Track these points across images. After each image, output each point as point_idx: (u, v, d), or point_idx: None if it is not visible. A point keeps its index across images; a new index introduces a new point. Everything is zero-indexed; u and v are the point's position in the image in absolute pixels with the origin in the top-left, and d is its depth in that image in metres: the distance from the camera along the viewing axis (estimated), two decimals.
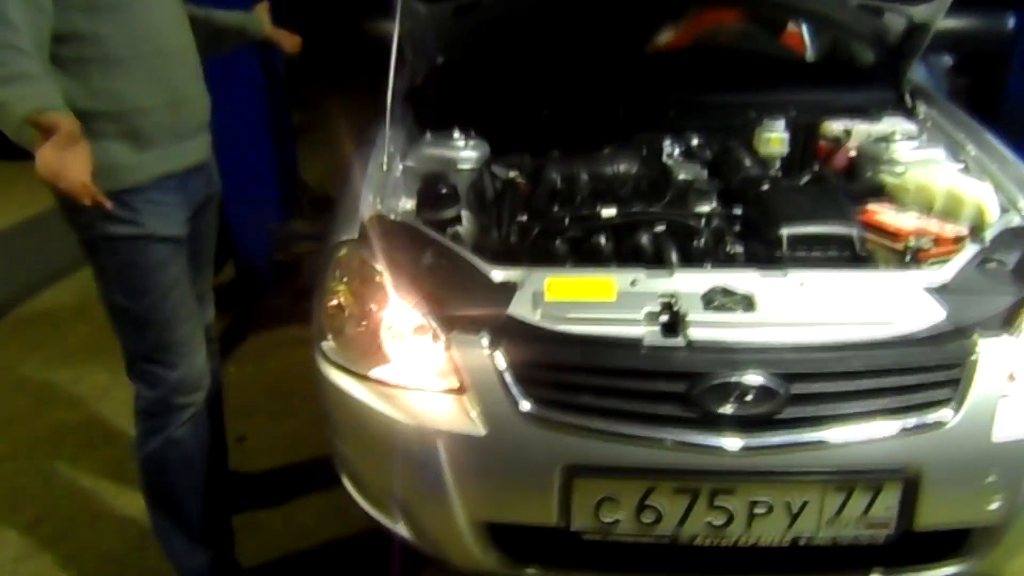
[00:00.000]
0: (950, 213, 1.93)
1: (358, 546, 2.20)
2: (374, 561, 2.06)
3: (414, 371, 1.60)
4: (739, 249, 1.80)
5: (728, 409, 1.43)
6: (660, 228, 1.83)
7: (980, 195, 1.91)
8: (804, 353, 1.47)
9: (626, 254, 1.81)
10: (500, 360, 1.50)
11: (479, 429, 1.50)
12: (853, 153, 2.24)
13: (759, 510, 1.48)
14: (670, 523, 1.50)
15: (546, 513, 1.52)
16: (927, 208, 1.97)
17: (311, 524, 2.31)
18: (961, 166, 2.05)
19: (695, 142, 2.16)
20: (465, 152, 2.09)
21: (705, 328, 1.50)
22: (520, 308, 1.56)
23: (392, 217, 1.81)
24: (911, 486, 1.47)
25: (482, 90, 2.44)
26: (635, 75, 2.46)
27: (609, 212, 1.84)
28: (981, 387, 1.47)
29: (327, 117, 3.88)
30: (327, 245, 1.89)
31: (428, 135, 2.16)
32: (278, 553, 2.22)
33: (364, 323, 1.67)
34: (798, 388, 1.44)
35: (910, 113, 2.35)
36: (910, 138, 2.15)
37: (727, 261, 1.77)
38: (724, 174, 2.03)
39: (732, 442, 1.43)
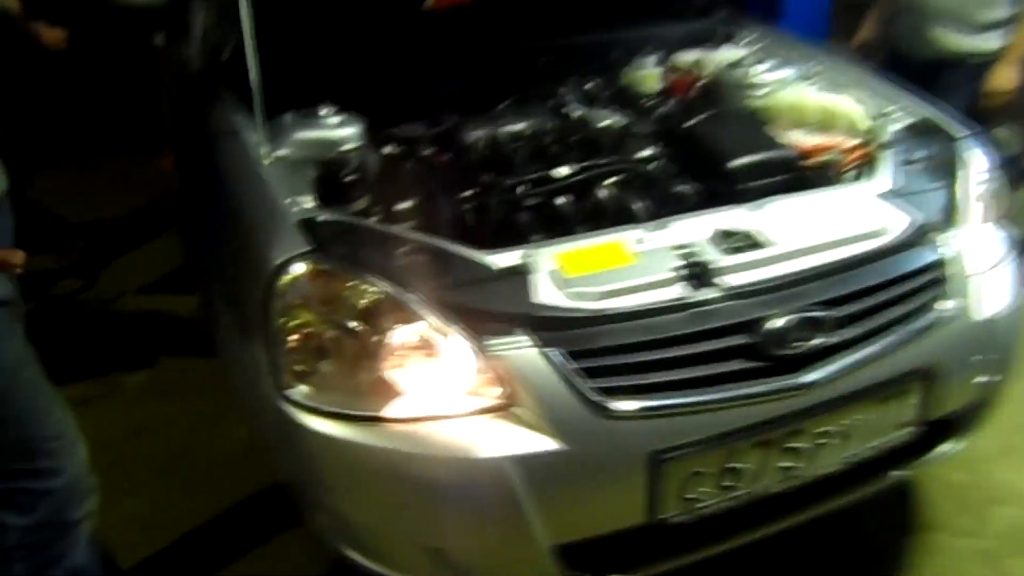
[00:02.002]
0: (825, 127, 2.05)
1: None
2: None
3: (443, 395, 1.32)
4: (688, 188, 1.74)
5: (793, 348, 1.38)
6: (612, 180, 1.70)
7: (848, 106, 2.05)
8: (835, 276, 1.46)
9: (587, 213, 1.66)
10: (555, 357, 1.29)
11: (553, 442, 1.28)
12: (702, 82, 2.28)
13: (822, 441, 1.46)
14: (749, 480, 1.43)
15: (633, 512, 1.36)
16: (802, 125, 2.08)
17: None
18: (813, 82, 2.18)
19: (590, 87, 2.03)
20: (343, 131, 1.76)
21: (736, 273, 1.43)
22: (547, 294, 1.35)
23: (322, 218, 1.46)
24: (929, 381, 1.54)
25: (323, 57, 2.06)
26: (478, 25, 2.25)
27: (562, 172, 1.66)
28: (958, 276, 1.59)
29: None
30: (231, 271, 1.49)
31: (288, 117, 1.78)
32: None
33: (354, 352, 1.33)
34: (840, 311, 1.43)
35: (734, 39, 2.45)
36: (760, 62, 2.24)
37: (685, 202, 1.71)
38: (634, 115, 1.95)
39: (807, 378, 1.38)
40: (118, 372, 2.73)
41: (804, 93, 2.11)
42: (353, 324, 1.34)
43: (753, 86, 2.16)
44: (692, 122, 1.85)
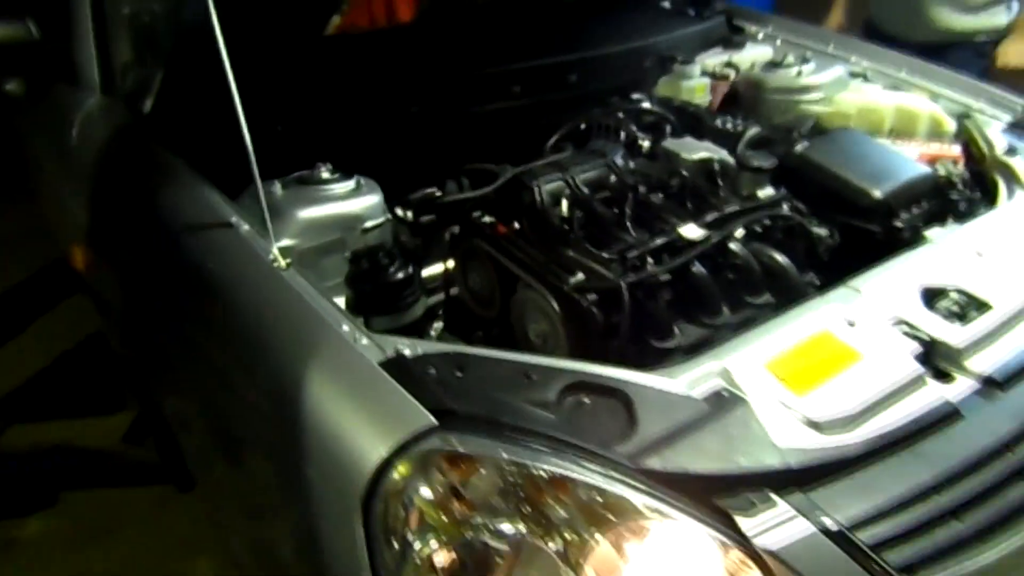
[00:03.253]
0: (905, 132, 1.73)
1: None
2: None
3: None
4: (827, 233, 1.34)
5: None
6: (740, 233, 1.27)
7: (927, 105, 1.74)
8: None
9: (735, 285, 1.23)
10: (840, 529, 0.85)
11: None
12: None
13: None
14: None
15: None
16: (877, 132, 1.74)
17: None
18: (870, 79, 1.87)
19: (648, 106, 1.57)
20: (362, 200, 1.25)
21: (982, 349, 1.05)
22: (787, 430, 0.91)
23: (409, 352, 0.94)
24: None
25: (286, 94, 1.52)
26: (484, 39, 1.76)
27: (693, 232, 1.21)
28: None
29: None
30: (253, 455, 0.96)
31: (277, 188, 1.24)
32: None
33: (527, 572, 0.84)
34: None
35: (749, 36, 2.10)
36: (802, 59, 1.89)
37: (832, 252, 1.32)
38: (718, 141, 1.52)
39: None
40: (9, 520, 2.13)
41: (872, 93, 1.79)
42: (512, 529, 0.84)
43: (805, 89, 1.82)
44: (803, 145, 1.45)
